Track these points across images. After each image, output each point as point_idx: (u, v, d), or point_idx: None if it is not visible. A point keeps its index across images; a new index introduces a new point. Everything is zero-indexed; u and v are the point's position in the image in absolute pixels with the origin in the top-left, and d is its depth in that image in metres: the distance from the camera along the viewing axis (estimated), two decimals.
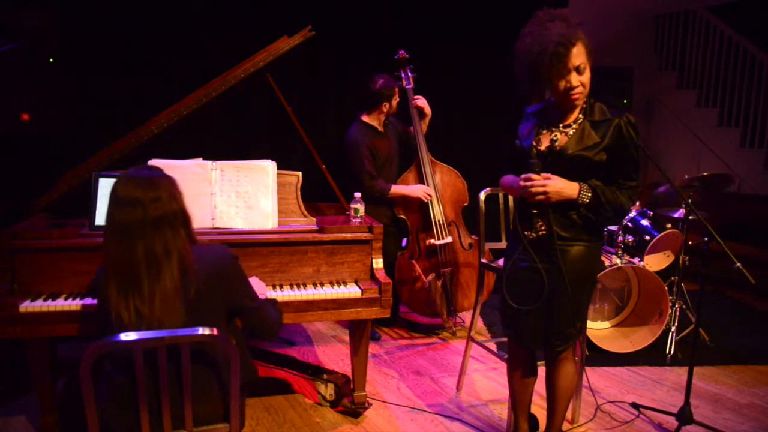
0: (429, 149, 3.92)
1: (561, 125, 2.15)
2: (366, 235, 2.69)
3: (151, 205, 1.70)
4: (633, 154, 2.11)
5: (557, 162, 2.11)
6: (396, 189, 3.78)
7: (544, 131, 2.18)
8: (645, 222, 3.85)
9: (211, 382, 1.80)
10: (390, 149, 3.89)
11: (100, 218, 2.49)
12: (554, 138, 2.14)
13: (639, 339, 3.71)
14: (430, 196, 3.81)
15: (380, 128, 3.86)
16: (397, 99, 3.84)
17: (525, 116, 2.29)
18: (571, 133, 2.12)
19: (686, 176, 3.76)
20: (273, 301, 2.18)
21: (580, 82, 2.04)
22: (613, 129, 2.07)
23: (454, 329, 4.04)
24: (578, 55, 2.00)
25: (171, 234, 1.73)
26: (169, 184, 1.78)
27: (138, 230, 1.70)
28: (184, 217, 1.80)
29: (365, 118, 3.83)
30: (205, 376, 1.78)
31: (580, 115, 2.13)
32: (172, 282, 1.71)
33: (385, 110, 3.81)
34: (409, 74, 3.95)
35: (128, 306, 1.70)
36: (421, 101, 3.91)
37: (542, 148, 2.15)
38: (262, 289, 2.29)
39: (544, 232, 2.14)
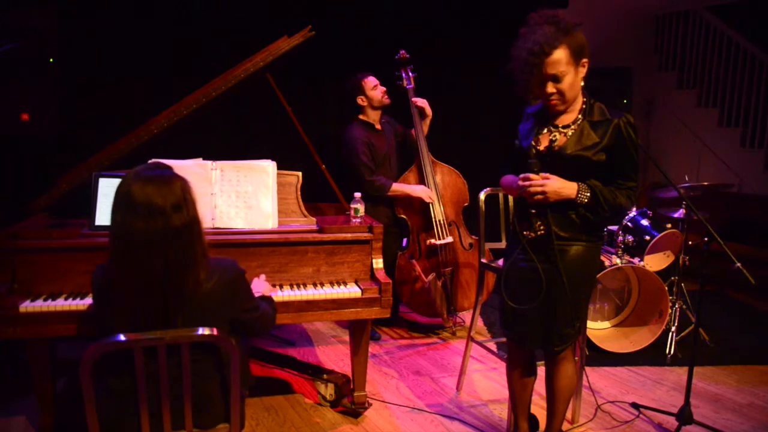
0: (429, 149, 3.92)
1: (560, 125, 2.15)
2: (366, 235, 2.69)
3: (173, 214, 1.62)
4: (632, 155, 2.11)
5: (556, 162, 2.11)
6: (398, 187, 3.77)
7: (544, 131, 2.18)
8: (645, 222, 3.85)
9: (211, 382, 1.79)
10: (388, 148, 3.88)
11: (100, 218, 2.49)
12: (553, 138, 2.14)
13: (639, 339, 3.71)
14: (431, 199, 3.80)
15: (377, 126, 3.86)
16: (377, 87, 3.77)
17: (525, 116, 2.29)
18: (569, 133, 2.12)
19: (686, 177, 3.76)
20: (268, 299, 2.17)
21: (556, 89, 2.04)
22: (612, 129, 2.07)
23: (454, 329, 4.04)
24: (554, 64, 1.99)
25: (189, 245, 1.66)
26: (184, 187, 1.69)
27: (158, 241, 1.61)
28: (200, 226, 1.71)
29: (361, 117, 3.84)
30: (205, 377, 1.78)
31: (579, 116, 2.13)
32: (188, 307, 1.67)
33: (364, 103, 3.78)
34: (410, 74, 3.94)
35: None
36: (422, 102, 3.91)
37: (541, 148, 2.15)
38: (262, 287, 2.28)
39: (542, 231, 2.14)
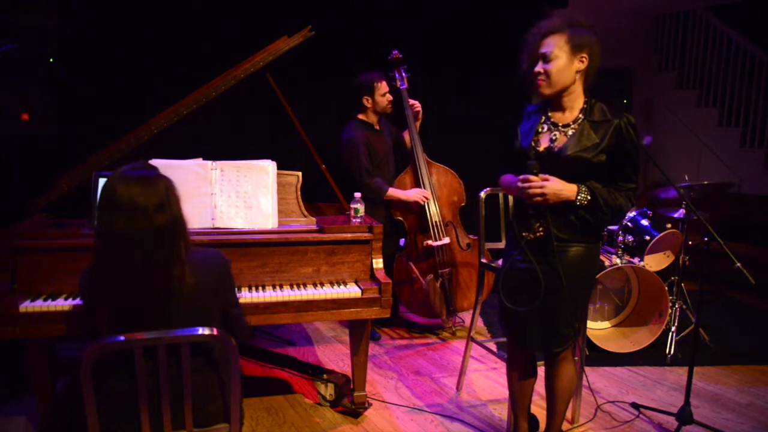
0: (427, 149, 3.91)
1: (560, 125, 2.14)
2: (366, 235, 2.69)
3: (156, 214, 1.63)
4: (633, 156, 2.10)
5: (555, 163, 2.10)
6: (393, 193, 3.76)
7: (543, 131, 2.17)
8: (645, 222, 3.85)
9: (209, 380, 1.79)
10: (386, 148, 3.87)
11: None
12: (553, 138, 2.13)
13: (639, 339, 3.71)
14: (426, 198, 3.79)
15: (376, 126, 3.84)
16: (386, 95, 3.76)
17: (525, 114, 2.28)
18: (570, 133, 2.11)
19: (686, 177, 3.76)
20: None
21: (543, 69, 2.07)
22: (613, 130, 2.07)
23: (453, 329, 4.04)
24: (547, 44, 2.06)
25: (172, 244, 1.68)
26: (169, 187, 1.71)
27: (140, 240, 1.62)
28: (183, 224, 1.73)
29: (361, 116, 3.82)
30: (203, 376, 1.78)
31: (580, 115, 2.12)
32: (175, 303, 1.68)
33: (368, 105, 3.76)
34: (404, 74, 3.89)
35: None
36: (417, 105, 3.90)
37: (541, 148, 2.14)
38: None
39: (542, 233, 2.13)
